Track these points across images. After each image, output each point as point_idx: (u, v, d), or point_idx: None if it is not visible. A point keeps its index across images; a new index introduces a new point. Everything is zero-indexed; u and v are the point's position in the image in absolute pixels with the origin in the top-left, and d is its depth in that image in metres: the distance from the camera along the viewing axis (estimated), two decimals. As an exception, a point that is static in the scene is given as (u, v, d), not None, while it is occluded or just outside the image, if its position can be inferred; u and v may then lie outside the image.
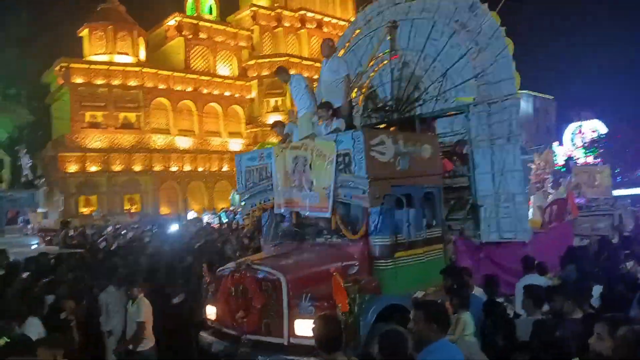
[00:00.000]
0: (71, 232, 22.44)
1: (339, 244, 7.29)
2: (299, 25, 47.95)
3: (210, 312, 7.45)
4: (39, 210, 26.37)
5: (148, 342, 6.95)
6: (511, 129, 8.07)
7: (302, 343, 6.23)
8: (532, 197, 11.38)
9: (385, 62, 9.61)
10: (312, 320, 6.12)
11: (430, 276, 7.65)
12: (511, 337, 5.11)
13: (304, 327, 6.27)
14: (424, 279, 7.58)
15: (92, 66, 40.41)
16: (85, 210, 38.78)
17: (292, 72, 9.17)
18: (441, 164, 8.28)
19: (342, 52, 10.08)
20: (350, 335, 6.17)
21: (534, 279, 7.23)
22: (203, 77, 43.63)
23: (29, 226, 22.71)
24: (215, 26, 45.77)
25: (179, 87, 43.01)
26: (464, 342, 5.04)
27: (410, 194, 7.51)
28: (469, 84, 8.56)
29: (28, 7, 43.63)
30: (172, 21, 44.31)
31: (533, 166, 35.40)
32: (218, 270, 7.43)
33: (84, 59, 41.42)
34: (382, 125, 9.47)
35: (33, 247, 16.80)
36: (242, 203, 8.52)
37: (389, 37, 9.27)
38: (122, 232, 23.08)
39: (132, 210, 39.96)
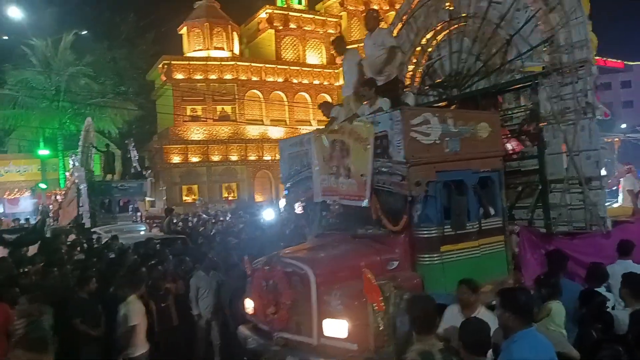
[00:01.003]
0: (175, 219, 23.24)
1: (379, 236, 6.46)
2: (387, 7, 46.40)
3: (249, 306, 6.92)
4: (147, 199, 27.59)
5: (139, 348, 6.33)
6: (587, 102, 6.75)
7: (333, 345, 5.54)
8: (621, 180, 9.74)
9: (444, 32, 8.53)
10: (342, 320, 5.58)
11: (487, 272, 6.64)
12: (607, 330, 4.85)
13: (334, 327, 5.57)
14: (479, 275, 6.49)
15: (191, 62, 41.63)
16: (187, 198, 40.21)
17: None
18: (503, 145, 7.13)
19: (399, 26, 9.09)
20: (383, 339, 5.39)
21: (630, 265, 6.20)
22: (293, 67, 43.52)
23: (137, 214, 23.84)
24: (304, 16, 45.46)
25: (270, 79, 43.25)
26: (549, 332, 4.62)
27: (462, 180, 6.53)
28: (537, 51, 7.29)
29: (133, 10, 46.02)
30: (263, 14, 44.56)
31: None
32: (253, 262, 6.87)
33: (183, 56, 42.80)
34: (442, 104, 8.41)
35: (141, 232, 17.65)
36: (285, 192, 7.89)
37: (447, 5, 8.20)
38: (220, 219, 23.56)
39: (230, 198, 40.91)
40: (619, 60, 55.74)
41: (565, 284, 5.63)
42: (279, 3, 45.90)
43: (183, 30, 43.75)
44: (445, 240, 6.26)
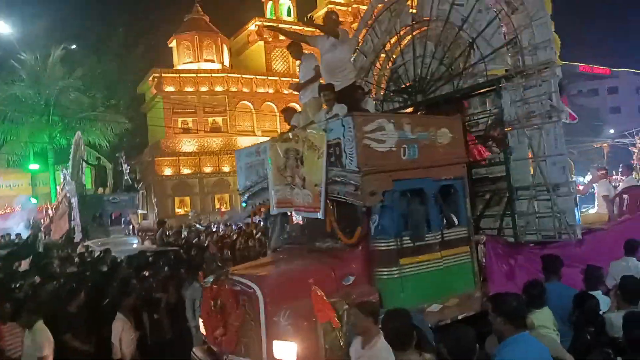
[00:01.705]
0: (167, 232, 22.92)
1: (336, 250, 6.05)
2: (352, 19, 46.29)
3: (202, 326, 6.51)
4: (139, 211, 27.24)
5: None
6: (551, 105, 6.38)
7: (284, 369, 5.13)
8: (595, 186, 9.35)
9: (408, 37, 8.17)
10: (291, 342, 5.16)
11: (452, 284, 6.28)
12: (600, 333, 4.76)
13: (283, 350, 5.15)
14: (443, 289, 6.16)
15: (182, 75, 41.42)
16: (180, 210, 39.76)
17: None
18: (466, 151, 6.76)
19: (364, 32, 8.73)
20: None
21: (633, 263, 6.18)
22: (284, 79, 43.24)
23: (130, 226, 23.48)
24: (293, 27, 45.28)
25: (261, 90, 42.99)
26: (541, 336, 4.43)
27: (422, 189, 6.14)
28: (501, 54, 6.92)
29: (122, 23, 45.73)
30: (252, 26, 44.36)
31: (635, 150, 31.45)
32: (203, 280, 6.45)
33: (174, 69, 42.55)
34: (408, 110, 8.04)
35: (134, 245, 17.39)
36: (243, 204, 7.48)
37: (410, 8, 7.85)
38: (213, 230, 23.22)
39: (223, 209, 40.46)
40: (605, 67, 55.80)
41: (560, 288, 5.37)
42: (268, 15, 45.71)
43: (173, 43, 43.51)
44: (404, 252, 5.86)
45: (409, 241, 5.85)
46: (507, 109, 6.75)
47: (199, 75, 41.56)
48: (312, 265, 5.93)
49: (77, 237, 19.40)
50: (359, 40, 8.71)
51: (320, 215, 5.97)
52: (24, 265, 12.45)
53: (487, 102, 7.28)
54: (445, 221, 6.36)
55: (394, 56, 8.41)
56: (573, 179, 6.81)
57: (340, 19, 6.75)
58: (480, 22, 7.06)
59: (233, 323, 5.59)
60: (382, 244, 5.82)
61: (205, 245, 15.14)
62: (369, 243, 5.88)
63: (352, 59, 7.09)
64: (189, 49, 42.91)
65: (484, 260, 6.64)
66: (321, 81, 6.88)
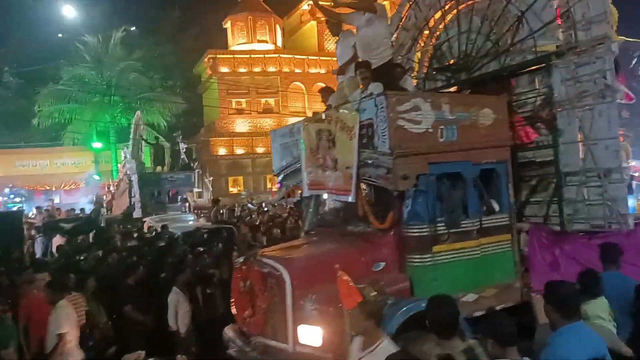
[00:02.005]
0: (221, 210, 23.31)
1: (368, 235, 5.81)
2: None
3: (234, 306, 6.45)
4: (195, 190, 27.80)
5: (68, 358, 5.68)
6: (605, 84, 5.85)
7: (309, 353, 4.97)
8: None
9: (453, 11, 7.70)
10: (317, 327, 5.00)
11: (490, 274, 5.94)
12: None
13: (308, 334, 5.00)
14: (480, 278, 5.83)
15: (236, 56, 41.63)
16: (233, 189, 40.33)
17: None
18: (510, 133, 6.32)
19: (407, 6, 8.30)
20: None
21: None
22: (335, 59, 42.69)
23: (186, 204, 24.04)
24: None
25: (313, 70, 42.72)
26: (596, 326, 4.16)
27: (461, 173, 5.79)
28: (551, 29, 6.39)
29: (178, 6, 46.37)
30: (305, 6, 43.95)
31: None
32: (235, 260, 6.36)
33: (228, 50, 42.81)
34: (453, 89, 7.61)
35: (190, 222, 17.65)
36: (278, 185, 7.33)
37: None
38: (265, 209, 23.45)
39: (274, 190, 40.75)
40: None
41: (618, 279, 4.96)
42: (321, -6, 45.14)
43: (227, 25, 43.72)
44: (438, 239, 5.56)
45: (444, 228, 5.54)
46: (557, 88, 6.24)
47: (252, 56, 41.66)
48: (341, 249, 5.72)
49: (137, 213, 19.94)
50: (402, 16, 8.30)
51: (351, 199, 5.73)
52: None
53: (536, 81, 6.74)
54: (485, 207, 6.00)
55: (438, 32, 7.96)
56: (628, 164, 6.26)
57: None
58: (530, -6, 6.54)
59: (261, 305, 5.47)
60: (415, 230, 5.53)
61: (237, 225, 15.19)
62: (401, 229, 5.60)
63: (390, 35, 6.72)
64: (242, 30, 43.03)
65: (527, 250, 6.25)
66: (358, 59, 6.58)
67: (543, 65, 6.37)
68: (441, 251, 5.58)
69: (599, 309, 4.46)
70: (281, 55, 42.15)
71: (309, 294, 5.10)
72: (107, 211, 25.29)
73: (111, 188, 30.15)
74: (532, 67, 6.63)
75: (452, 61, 7.55)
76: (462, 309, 5.06)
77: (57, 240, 14.03)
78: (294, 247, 6.29)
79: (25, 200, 34.73)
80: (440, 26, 7.90)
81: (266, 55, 41.82)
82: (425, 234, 5.51)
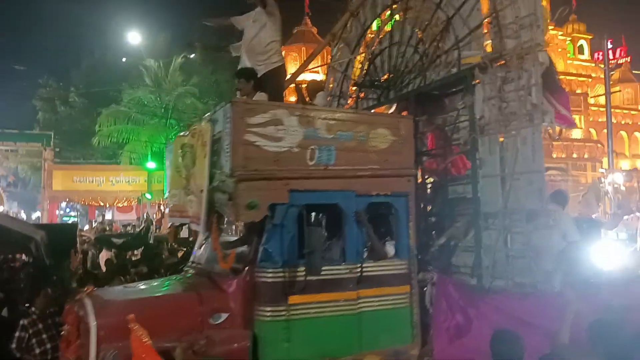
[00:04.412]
0: None
1: (219, 277, 4.56)
2: None
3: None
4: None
5: None
6: (532, 102, 4.40)
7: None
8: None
9: (387, 20, 6.42)
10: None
11: (374, 337, 4.51)
12: None
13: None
14: (358, 342, 4.43)
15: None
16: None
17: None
18: (412, 160, 4.93)
19: (347, 16, 7.03)
20: None
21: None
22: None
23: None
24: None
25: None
26: None
27: (338, 205, 4.48)
28: (477, 37, 5.01)
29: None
30: (356, 39, 43.39)
31: None
32: None
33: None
34: (381, 108, 6.31)
35: None
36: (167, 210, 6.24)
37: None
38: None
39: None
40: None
41: None
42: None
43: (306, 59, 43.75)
44: (296, 287, 4.23)
45: (304, 271, 4.24)
46: (479, 108, 4.83)
47: (303, 85, 41.31)
48: (177, 294, 4.51)
49: (184, 232, 19.46)
50: (343, 28, 7.09)
51: (201, 229, 4.56)
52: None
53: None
54: (371, 250, 4.64)
55: (374, 46, 6.68)
56: (557, 206, 4.74)
57: None
58: (459, -3, 5.20)
59: (68, 357, 4.34)
60: (266, 274, 4.22)
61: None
62: (254, 272, 4.35)
63: (280, 38, 5.55)
64: (296, 60, 42.87)
65: (430, 305, 4.80)
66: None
67: (463, 79, 4.97)
68: (300, 303, 4.26)
69: None
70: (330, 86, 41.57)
71: (112, 349, 3.92)
72: (156, 229, 25.10)
73: (161, 207, 30.19)
74: (451, 83, 5.22)
75: (385, 77, 6.25)
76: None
77: (105, 254, 13.76)
78: (131, 288, 5.14)
79: (80, 215, 35.47)
80: (377, 38, 6.62)
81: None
82: (279, 279, 4.22)
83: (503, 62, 4.64)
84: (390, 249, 4.71)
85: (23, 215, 34.89)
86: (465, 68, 4.96)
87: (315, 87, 5.96)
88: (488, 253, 4.71)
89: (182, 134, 5.33)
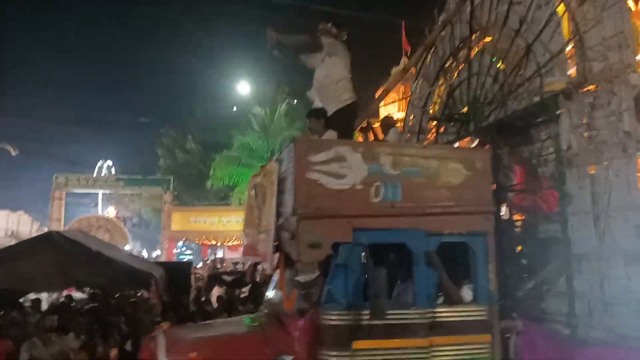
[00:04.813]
0: None
1: (286, 317, 4.44)
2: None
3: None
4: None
5: None
6: (624, 130, 3.88)
7: None
8: None
9: (464, 51, 6.08)
10: None
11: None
12: None
13: None
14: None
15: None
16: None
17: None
18: (490, 196, 4.52)
19: (424, 51, 6.79)
20: None
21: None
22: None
23: None
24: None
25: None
26: None
27: (407, 244, 4.22)
28: (559, 61, 4.58)
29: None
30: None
31: None
32: None
33: (380, 119, 42.79)
34: (468, 142, 5.94)
35: None
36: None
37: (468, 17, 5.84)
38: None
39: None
40: None
41: None
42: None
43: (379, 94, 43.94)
44: (362, 331, 4.00)
45: (368, 315, 3.99)
46: (565, 137, 4.36)
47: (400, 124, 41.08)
48: (244, 334, 4.42)
49: None
50: (425, 63, 6.86)
51: (267, 269, 4.50)
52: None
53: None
54: (444, 294, 4.27)
55: (453, 75, 6.34)
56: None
57: (336, 31, 5.10)
58: (540, 22, 4.82)
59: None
60: (330, 317, 4.04)
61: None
62: (318, 314, 4.17)
63: (350, 74, 5.36)
64: (394, 100, 42.77)
65: (515, 358, 4.29)
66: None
67: (546, 109, 4.53)
68: (366, 348, 4.01)
69: None
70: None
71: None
72: (263, 268, 25.65)
73: (269, 246, 31.03)
74: (534, 113, 4.77)
75: (465, 110, 5.91)
76: None
77: (216, 291, 14.42)
78: (206, 326, 5.13)
79: (194, 253, 37.37)
80: (456, 70, 6.31)
81: (415, 124, 40.94)
82: (343, 322, 4.01)
83: (589, 87, 4.17)
84: (467, 293, 4.31)
85: (145, 254, 37.33)
86: (548, 96, 4.53)
87: (388, 123, 5.76)
88: (582, 299, 4.14)
89: (255, 174, 5.37)
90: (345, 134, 4.86)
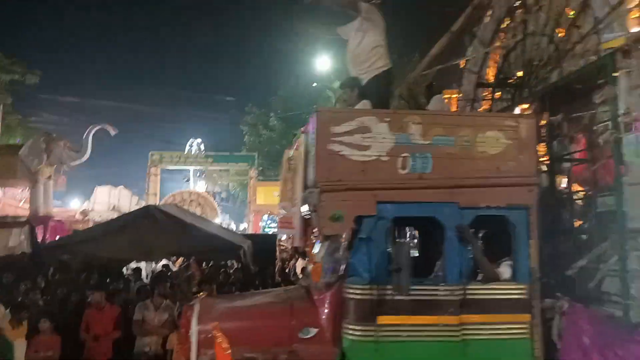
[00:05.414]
0: None
1: (314, 290, 4.33)
2: None
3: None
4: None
5: None
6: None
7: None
8: None
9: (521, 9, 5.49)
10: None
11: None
12: None
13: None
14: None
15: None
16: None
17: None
18: (533, 166, 4.08)
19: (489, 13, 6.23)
20: None
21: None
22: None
23: None
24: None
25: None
26: None
27: (437, 218, 3.96)
28: (619, 15, 3.99)
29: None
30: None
31: None
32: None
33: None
34: (523, 108, 5.42)
35: None
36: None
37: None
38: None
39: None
40: None
41: None
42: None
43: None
44: (386, 307, 3.82)
45: (393, 289, 3.79)
46: (624, 99, 3.83)
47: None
48: (272, 305, 4.38)
49: None
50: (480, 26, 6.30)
51: (296, 242, 4.41)
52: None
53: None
54: (478, 270, 3.96)
55: (508, 36, 5.76)
56: None
57: None
58: (599, -30, 4.22)
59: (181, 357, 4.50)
60: (353, 291, 3.89)
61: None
62: (340, 285, 4.03)
63: (384, 42, 4.95)
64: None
65: (558, 340, 3.91)
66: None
67: (601, 69, 3.99)
68: (390, 324, 3.82)
69: None
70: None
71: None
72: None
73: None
74: (587, 73, 4.22)
75: (519, 73, 5.37)
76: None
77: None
78: (239, 297, 5.13)
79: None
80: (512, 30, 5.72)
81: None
82: (367, 297, 3.84)
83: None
84: (505, 270, 3.97)
85: (233, 226, 38.85)
86: (605, 54, 3.99)
87: (432, 91, 5.38)
88: (636, 280, 3.67)
89: (289, 147, 5.27)
90: (380, 103, 4.60)
